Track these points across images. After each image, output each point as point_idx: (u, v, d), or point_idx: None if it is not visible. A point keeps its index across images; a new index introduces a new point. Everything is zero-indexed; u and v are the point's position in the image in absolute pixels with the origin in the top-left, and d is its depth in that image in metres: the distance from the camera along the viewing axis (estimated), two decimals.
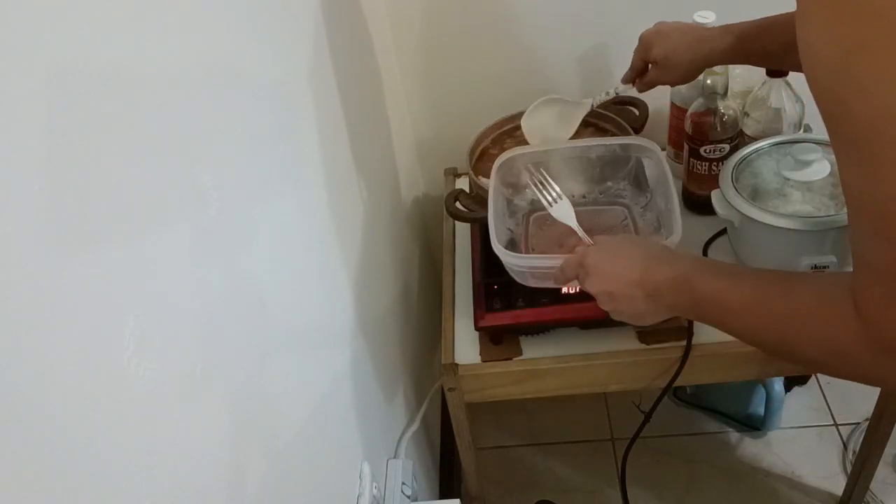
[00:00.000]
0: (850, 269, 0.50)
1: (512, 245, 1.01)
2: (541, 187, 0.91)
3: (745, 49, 0.90)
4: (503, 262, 0.91)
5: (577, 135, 1.17)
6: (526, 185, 1.00)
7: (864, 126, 0.43)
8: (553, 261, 0.83)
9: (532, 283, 0.91)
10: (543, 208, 0.90)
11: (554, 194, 0.90)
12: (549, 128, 1.12)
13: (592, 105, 1.09)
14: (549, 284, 0.89)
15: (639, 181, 1.05)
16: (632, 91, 1.05)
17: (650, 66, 0.99)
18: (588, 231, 0.85)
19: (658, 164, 0.99)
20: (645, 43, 0.99)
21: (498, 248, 0.89)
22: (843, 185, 0.48)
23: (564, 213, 0.89)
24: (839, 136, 0.46)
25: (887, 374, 0.50)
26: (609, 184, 1.07)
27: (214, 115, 0.56)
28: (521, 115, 1.19)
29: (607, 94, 1.08)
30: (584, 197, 1.07)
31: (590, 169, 1.07)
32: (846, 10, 0.42)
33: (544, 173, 0.93)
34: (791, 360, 0.59)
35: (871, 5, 0.40)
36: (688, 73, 0.97)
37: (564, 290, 0.98)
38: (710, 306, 0.64)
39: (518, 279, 0.92)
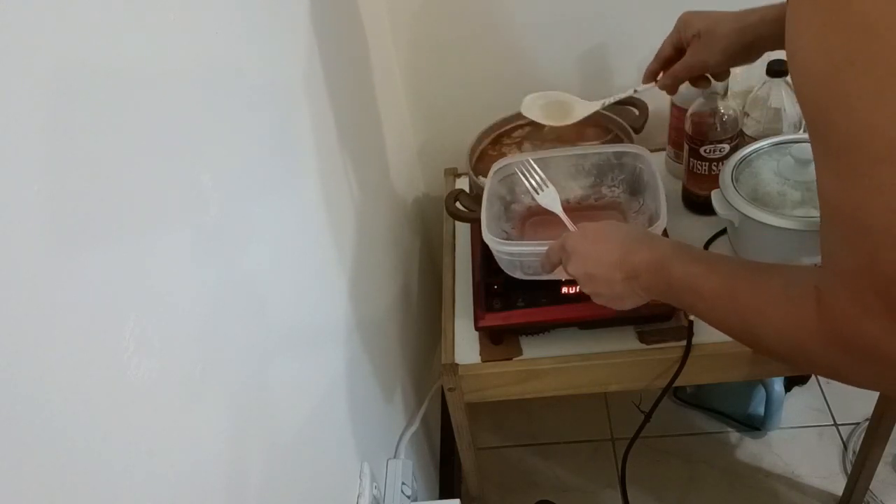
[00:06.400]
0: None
1: None
2: (527, 174, 0.92)
3: None
4: (493, 253, 0.91)
5: (580, 131, 1.17)
6: (524, 191, 1.00)
7: (846, 138, 0.44)
8: (539, 247, 0.84)
9: (520, 275, 0.92)
10: (541, 213, 0.91)
11: (540, 181, 0.91)
12: (548, 114, 1.11)
13: (603, 105, 1.07)
14: (540, 276, 0.89)
15: (633, 187, 1.06)
16: (652, 91, 0.99)
17: (688, 47, 0.91)
18: None
19: (648, 168, 0.99)
20: (684, 21, 0.91)
21: (488, 236, 0.90)
22: (818, 189, 0.49)
23: (550, 200, 0.91)
24: (820, 143, 0.47)
25: (840, 368, 0.52)
26: (603, 189, 1.08)
27: (214, 115, 0.56)
28: (520, 115, 1.19)
29: (624, 92, 1.03)
30: (579, 203, 1.07)
31: (584, 174, 1.08)
32: (839, 22, 0.42)
33: (531, 162, 0.94)
34: (755, 348, 0.61)
35: (864, 21, 0.41)
36: (731, 45, 0.87)
37: (564, 289, 0.98)
38: (684, 291, 0.65)
39: (507, 271, 0.93)
